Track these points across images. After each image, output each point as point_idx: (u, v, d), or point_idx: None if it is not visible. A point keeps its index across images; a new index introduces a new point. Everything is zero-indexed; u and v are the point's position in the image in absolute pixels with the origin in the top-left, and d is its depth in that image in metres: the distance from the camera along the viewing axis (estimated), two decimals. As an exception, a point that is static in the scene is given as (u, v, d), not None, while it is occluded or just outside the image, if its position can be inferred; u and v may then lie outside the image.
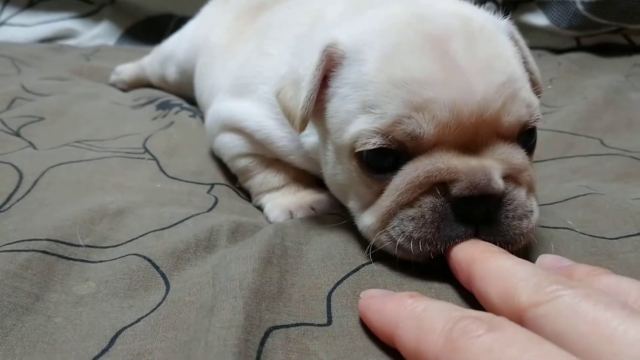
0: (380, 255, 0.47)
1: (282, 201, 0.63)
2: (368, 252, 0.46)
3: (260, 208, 0.66)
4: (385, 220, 0.45)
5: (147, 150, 0.77)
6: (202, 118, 0.90)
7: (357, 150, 0.45)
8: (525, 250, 0.45)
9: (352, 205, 0.50)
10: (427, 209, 0.43)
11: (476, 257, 0.39)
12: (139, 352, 0.37)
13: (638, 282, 0.34)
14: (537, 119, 0.46)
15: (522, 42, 0.54)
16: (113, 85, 1.25)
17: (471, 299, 0.40)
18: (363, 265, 0.46)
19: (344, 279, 0.44)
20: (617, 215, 0.52)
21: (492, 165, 0.43)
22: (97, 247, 0.51)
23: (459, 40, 0.44)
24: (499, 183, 0.42)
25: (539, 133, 0.88)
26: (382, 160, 0.45)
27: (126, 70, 1.24)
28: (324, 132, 0.51)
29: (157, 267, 0.47)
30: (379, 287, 0.43)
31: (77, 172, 0.67)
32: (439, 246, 0.42)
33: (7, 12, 1.76)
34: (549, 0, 1.51)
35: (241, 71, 0.69)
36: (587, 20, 1.47)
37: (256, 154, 0.66)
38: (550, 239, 0.49)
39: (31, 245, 0.48)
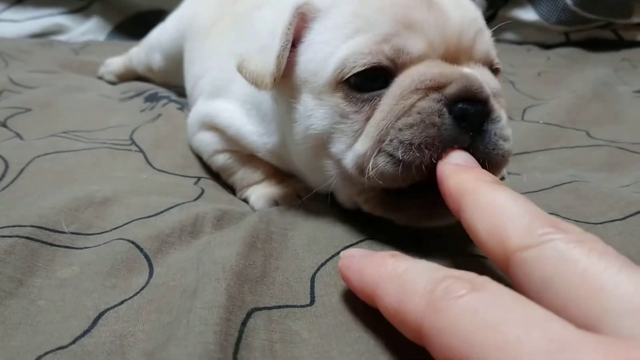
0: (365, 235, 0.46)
1: (267, 191, 0.63)
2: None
3: (246, 201, 0.65)
4: (381, 138, 0.44)
5: (134, 142, 0.76)
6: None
7: (345, 78, 0.46)
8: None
9: (336, 150, 0.48)
10: (425, 114, 0.43)
11: (468, 186, 0.36)
12: (122, 333, 0.37)
13: None
14: (499, 64, 0.52)
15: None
16: (101, 77, 1.24)
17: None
18: (348, 246, 0.46)
19: (328, 260, 0.44)
20: (602, 201, 0.53)
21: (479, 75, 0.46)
22: (82, 234, 0.50)
23: None
24: (487, 90, 0.45)
25: (525, 125, 0.89)
26: (372, 82, 0.46)
27: (115, 62, 1.23)
28: (291, 93, 0.51)
29: (141, 249, 0.47)
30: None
31: (64, 162, 0.66)
32: (440, 150, 0.42)
33: (-3, 8, 1.75)
34: (538, -5, 1.53)
35: (218, 73, 0.70)
36: (576, 15, 1.48)
37: (232, 150, 0.66)
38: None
39: (15, 231, 0.47)
